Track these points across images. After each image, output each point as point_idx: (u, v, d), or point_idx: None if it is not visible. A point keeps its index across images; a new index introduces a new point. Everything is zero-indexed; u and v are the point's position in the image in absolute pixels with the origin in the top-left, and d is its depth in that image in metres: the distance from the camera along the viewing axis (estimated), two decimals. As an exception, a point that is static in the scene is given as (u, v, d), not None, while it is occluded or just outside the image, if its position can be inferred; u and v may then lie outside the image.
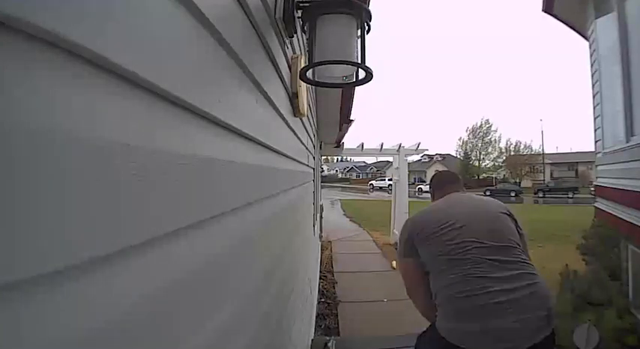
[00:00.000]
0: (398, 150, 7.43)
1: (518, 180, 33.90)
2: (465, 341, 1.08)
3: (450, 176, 1.66)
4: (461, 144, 38.64)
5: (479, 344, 1.07)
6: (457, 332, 1.11)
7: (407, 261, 1.34)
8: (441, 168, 41.90)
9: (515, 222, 1.34)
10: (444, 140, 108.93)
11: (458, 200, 1.41)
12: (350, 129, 5.47)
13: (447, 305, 1.17)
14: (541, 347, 1.07)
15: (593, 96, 4.02)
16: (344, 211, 14.92)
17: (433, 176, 1.70)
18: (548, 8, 4.33)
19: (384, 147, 7.52)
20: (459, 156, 38.98)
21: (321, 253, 6.15)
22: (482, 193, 28.27)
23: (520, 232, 1.31)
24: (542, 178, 33.43)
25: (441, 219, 1.28)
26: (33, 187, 0.22)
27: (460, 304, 1.13)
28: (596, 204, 4.11)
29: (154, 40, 0.37)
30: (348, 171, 56.02)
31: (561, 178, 31.62)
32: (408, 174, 8.02)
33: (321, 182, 8.59)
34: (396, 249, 1.89)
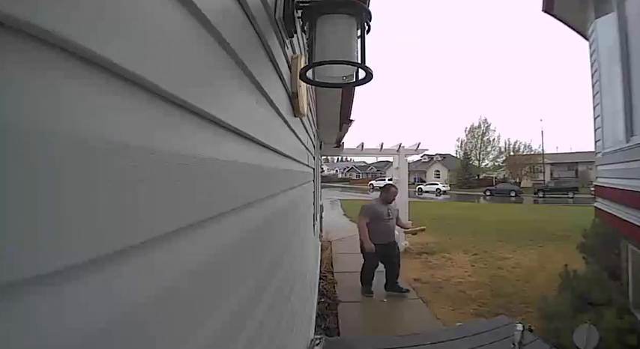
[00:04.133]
0: (398, 150, 7.42)
1: (518, 180, 33.88)
2: (378, 240, 4.42)
3: (387, 190, 4.65)
4: (460, 144, 38.73)
5: (381, 239, 4.44)
6: (377, 238, 4.42)
7: (364, 218, 4.48)
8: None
9: (397, 211, 4.82)
10: (444, 140, 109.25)
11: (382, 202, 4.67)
12: (350, 129, 5.47)
13: (375, 231, 4.46)
14: (392, 243, 4.65)
15: (593, 96, 4.02)
16: (344, 211, 14.90)
17: (383, 186, 5.06)
18: (548, 8, 4.33)
19: (384, 147, 7.51)
20: (458, 156, 39.00)
21: (321, 253, 6.14)
22: (482, 193, 28.45)
23: (397, 215, 4.77)
24: (542, 178, 33.42)
25: (378, 208, 4.59)
26: (32, 187, 0.22)
27: (379, 231, 4.49)
28: (596, 204, 4.11)
29: (154, 40, 0.37)
30: (348, 171, 56.03)
31: (561, 178, 31.62)
32: (408, 174, 8.01)
33: (321, 182, 8.59)
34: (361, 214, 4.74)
